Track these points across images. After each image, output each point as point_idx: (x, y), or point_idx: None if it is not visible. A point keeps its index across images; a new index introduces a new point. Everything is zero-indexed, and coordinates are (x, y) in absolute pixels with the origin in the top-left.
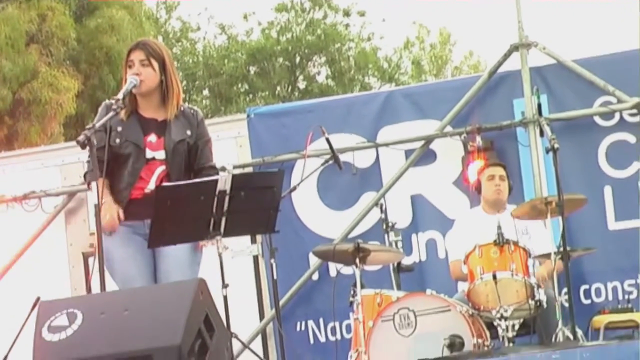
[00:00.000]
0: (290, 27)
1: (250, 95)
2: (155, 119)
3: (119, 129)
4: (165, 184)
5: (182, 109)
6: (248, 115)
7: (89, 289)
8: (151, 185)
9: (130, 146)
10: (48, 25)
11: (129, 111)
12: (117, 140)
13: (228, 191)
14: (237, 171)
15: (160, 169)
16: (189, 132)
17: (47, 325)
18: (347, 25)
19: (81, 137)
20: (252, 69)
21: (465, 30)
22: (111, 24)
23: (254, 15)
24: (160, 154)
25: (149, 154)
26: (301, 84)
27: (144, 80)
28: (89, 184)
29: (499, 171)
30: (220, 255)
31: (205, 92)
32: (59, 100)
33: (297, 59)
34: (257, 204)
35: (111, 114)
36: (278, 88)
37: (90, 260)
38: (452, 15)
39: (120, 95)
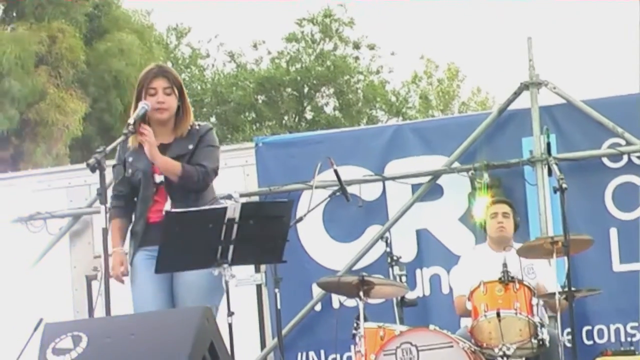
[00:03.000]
0: (300, 57)
1: (257, 124)
2: (162, 143)
3: (130, 159)
4: (173, 210)
5: (189, 127)
6: (256, 144)
7: (92, 312)
8: (167, 207)
9: (140, 174)
10: (58, 47)
11: (130, 135)
12: (130, 171)
13: (237, 219)
14: (244, 200)
15: None
16: (190, 147)
17: (51, 347)
18: (356, 58)
19: (91, 160)
20: (260, 98)
21: (473, 66)
22: (121, 48)
23: (264, 44)
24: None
25: (157, 178)
26: (308, 115)
27: (168, 109)
28: (111, 218)
29: (502, 208)
30: (227, 283)
31: (213, 119)
32: (66, 122)
33: (306, 90)
34: (265, 233)
35: (122, 138)
36: (285, 118)
37: (94, 283)
38: (461, 50)
39: (131, 120)
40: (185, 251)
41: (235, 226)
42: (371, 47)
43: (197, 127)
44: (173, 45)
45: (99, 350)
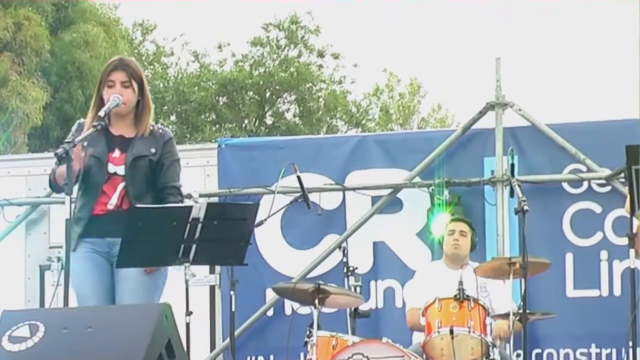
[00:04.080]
0: (264, 62)
1: (217, 125)
2: (122, 135)
3: (85, 144)
4: (139, 205)
5: (151, 128)
6: (219, 146)
7: (43, 302)
8: (113, 201)
9: (93, 160)
10: (23, 34)
11: (100, 129)
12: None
13: (201, 219)
14: (203, 200)
15: (122, 184)
16: (153, 150)
17: (8, 335)
18: (320, 66)
19: (60, 150)
20: (222, 100)
21: (435, 83)
22: (86, 39)
23: (229, 47)
24: (122, 169)
25: (111, 168)
26: (269, 120)
27: (125, 103)
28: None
29: (460, 226)
30: (187, 282)
31: (173, 117)
32: (26, 110)
33: (267, 94)
34: (228, 235)
35: (91, 130)
36: (246, 121)
37: (47, 273)
38: (424, 66)
39: (102, 113)
40: (148, 247)
41: (199, 226)
42: (335, 57)
43: (160, 131)
44: (138, 41)
45: (56, 340)
